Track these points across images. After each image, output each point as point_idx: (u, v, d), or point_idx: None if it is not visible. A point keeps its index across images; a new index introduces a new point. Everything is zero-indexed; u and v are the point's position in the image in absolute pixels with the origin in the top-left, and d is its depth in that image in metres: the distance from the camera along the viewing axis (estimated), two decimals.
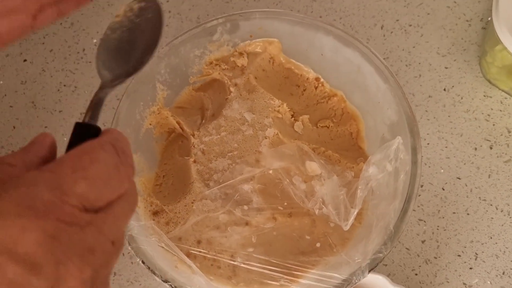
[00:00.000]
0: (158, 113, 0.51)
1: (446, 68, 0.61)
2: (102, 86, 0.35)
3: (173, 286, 0.41)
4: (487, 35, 0.59)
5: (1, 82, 0.63)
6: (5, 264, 0.22)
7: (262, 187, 0.47)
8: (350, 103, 0.54)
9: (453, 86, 0.60)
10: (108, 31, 0.40)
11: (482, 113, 0.59)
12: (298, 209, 0.46)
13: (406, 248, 0.55)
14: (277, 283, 0.43)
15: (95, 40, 0.64)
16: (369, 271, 0.41)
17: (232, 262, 0.44)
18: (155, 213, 0.47)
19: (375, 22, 0.63)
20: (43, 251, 0.23)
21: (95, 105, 0.32)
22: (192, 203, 0.47)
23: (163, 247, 0.43)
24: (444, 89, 0.60)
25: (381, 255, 0.42)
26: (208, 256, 0.45)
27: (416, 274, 0.54)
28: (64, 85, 0.63)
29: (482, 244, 0.55)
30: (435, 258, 0.54)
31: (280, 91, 0.53)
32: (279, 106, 0.51)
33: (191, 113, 0.54)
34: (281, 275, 0.43)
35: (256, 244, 0.45)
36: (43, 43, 0.65)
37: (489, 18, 0.62)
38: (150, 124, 0.52)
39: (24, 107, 0.62)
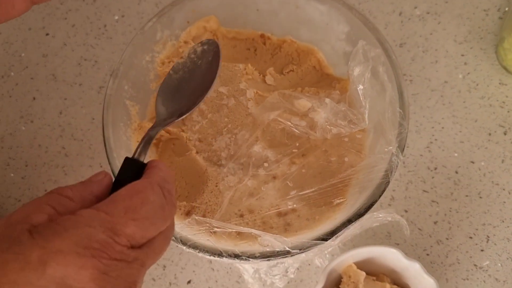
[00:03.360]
0: (140, 128, 0.51)
1: (462, 55, 0.62)
2: (155, 124, 0.39)
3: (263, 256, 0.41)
4: (504, 23, 0.60)
5: (23, 54, 0.64)
6: None
7: (269, 141, 0.48)
8: (300, 42, 0.55)
9: (468, 73, 0.61)
10: (171, 71, 0.44)
11: (497, 100, 0.60)
12: (309, 145, 0.48)
13: (419, 229, 0.55)
14: (333, 202, 0.45)
15: (116, 17, 0.66)
16: (402, 152, 0.44)
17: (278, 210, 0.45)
18: (188, 213, 0.47)
19: (394, 9, 0.64)
20: (96, 286, 0.26)
21: (145, 142, 0.36)
22: (216, 186, 0.47)
23: (215, 232, 0.43)
24: (460, 76, 0.61)
25: (403, 134, 0.44)
26: (257, 221, 0.45)
27: (427, 254, 0.54)
28: (85, 59, 0.64)
29: (494, 227, 0.55)
30: (447, 239, 0.55)
31: (236, 60, 0.55)
32: (245, 68, 0.52)
33: None
34: (332, 195, 0.45)
35: (295, 187, 0.46)
36: (65, 18, 0.66)
37: (506, 9, 0.63)
38: (138, 142, 0.50)
39: (45, 79, 0.63)
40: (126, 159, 0.34)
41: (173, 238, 0.41)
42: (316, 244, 0.41)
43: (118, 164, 0.45)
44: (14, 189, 0.59)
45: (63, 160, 0.60)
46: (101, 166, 0.59)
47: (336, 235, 0.41)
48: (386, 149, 0.44)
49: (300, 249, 0.41)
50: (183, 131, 0.50)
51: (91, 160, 0.59)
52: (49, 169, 0.59)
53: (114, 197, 0.29)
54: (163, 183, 0.31)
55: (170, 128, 0.51)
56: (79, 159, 0.60)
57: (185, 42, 0.53)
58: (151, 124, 0.51)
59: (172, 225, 0.33)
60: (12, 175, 0.59)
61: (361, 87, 0.45)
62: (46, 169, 0.59)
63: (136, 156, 0.34)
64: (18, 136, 0.61)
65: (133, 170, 0.33)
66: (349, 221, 0.42)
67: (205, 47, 0.44)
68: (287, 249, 0.41)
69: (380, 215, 0.43)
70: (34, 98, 0.62)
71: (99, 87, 0.62)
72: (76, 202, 0.30)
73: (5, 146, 0.60)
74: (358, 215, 0.42)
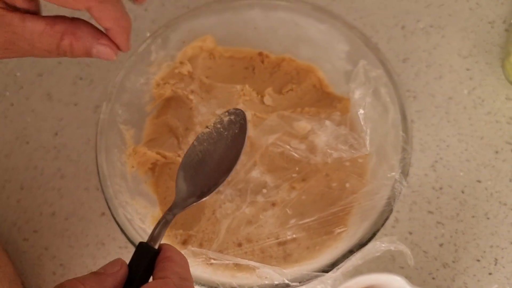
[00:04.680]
0: (135, 153, 0.50)
1: (467, 70, 0.60)
2: (173, 206, 0.37)
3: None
4: (510, 36, 0.58)
5: (18, 74, 0.63)
6: None
7: (268, 165, 0.47)
8: (300, 60, 0.54)
9: (474, 88, 0.59)
10: (195, 142, 0.41)
11: (504, 116, 0.58)
12: (310, 169, 0.47)
13: (424, 251, 0.53)
14: (334, 231, 0.44)
15: None
16: (405, 179, 0.43)
17: (278, 240, 0.44)
18: (184, 242, 0.46)
19: (396, 22, 0.62)
20: None
21: (161, 227, 0.35)
22: (213, 213, 0.46)
23: (212, 263, 0.42)
24: (465, 91, 0.59)
25: (407, 159, 0.43)
26: (256, 251, 0.44)
27: (433, 278, 0.53)
28: (80, 78, 0.63)
29: (502, 249, 0.53)
30: (453, 262, 0.53)
31: (233, 79, 0.53)
32: (242, 89, 0.51)
33: (164, 139, 0.52)
34: (333, 224, 0.44)
35: (294, 214, 0.45)
36: None
37: None
38: (133, 167, 0.50)
39: (40, 99, 0.62)
40: (140, 244, 0.33)
41: None
42: (316, 276, 0.40)
43: (111, 192, 0.44)
44: (10, 213, 0.58)
45: (59, 182, 0.58)
46: (97, 189, 0.58)
47: (337, 267, 0.40)
48: (388, 175, 0.42)
49: (299, 282, 0.40)
50: (179, 155, 0.49)
51: (88, 182, 0.58)
52: (45, 192, 0.58)
53: None
54: (181, 282, 0.30)
55: (166, 152, 0.49)
56: (75, 181, 0.58)
57: (181, 63, 0.51)
58: (146, 149, 0.49)
59: None
60: (7, 198, 0.58)
61: (361, 111, 0.43)
62: (42, 192, 0.58)
63: (151, 241, 0.34)
64: (13, 157, 0.60)
65: (146, 257, 0.32)
66: (350, 252, 0.40)
67: (232, 117, 0.41)
68: (286, 281, 0.40)
69: (383, 245, 0.41)
70: (29, 119, 0.61)
71: (95, 107, 0.61)
72: None
73: (0, 168, 0.59)
74: (360, 245, 0.40)
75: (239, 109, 0.42)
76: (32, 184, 0.59)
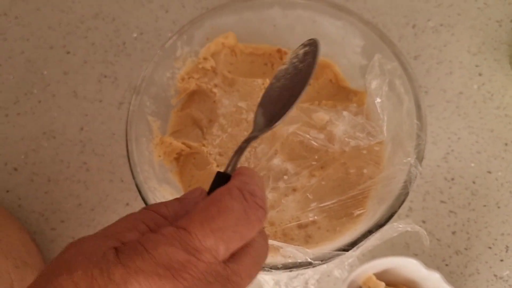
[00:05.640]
0: (161, 143, 0.52)
1: (476, 66, 0.62)
2: (250, 136, 0.36)
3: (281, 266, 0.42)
4: None
5: (45, 72, 0.66)
6: None
7: (288, 154, 0.49)
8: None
9: (483, 84, 0.61)
10: (273, 80, 0.41)
11: None
12: (328, 157, 0.49)
13: (437, 239, 0.55)
14: (353, 213, 0.45)
15: (134, 35, 0.67)
16: (420, 163, 0.44)
17: (300, 222, 0.45)
18: None
19: (407, 22, 0.65)
20: None
21: (237, 156, 0.34)
22: None
23: None
24: (475, 86, 0.61)
25: (421, 145, 0.44)
26: (278, 233, 0.46)
27: (446, 265, 0.54)
28: (105, 76, 0.65)
29: None
30: (466, 249, 0.55)
31: (254, 75, 0.55)
32: (263, 83, 0.53)
33: (189, 131, 0.54)
34: (352, 206, 0.45)
35: (315, 199, 0.47)
36: (85, 37, 0.68)
37: None
38: (159, 156, 0.52)
39: (66, 96, 0.65)
40: (218, 173, 0.32)
41: None
42: (337, 255, 0.42)
43: (141, 178, 0.46)
44: (37, 204, 0.60)
45: (84, 175, 0.61)
46: (122, 181, 0.60)
47: (357, 246, 0.42)
48: (404, 160, 0.44)
49: (321, 260, 0.42)
50: (203, 145, 0.51)
51: (112, 175, 0.61)
52: (71, 184, 0.61)
53: (192, 211, 0.28)
54: (243, 185, 0.29)
55: (191, 142, 0.52)
56: (100, 174, 0.61)
57: (204, 59, 0.54)
58: (172, 139, 0.52)
59: (262, 236, 0.30)
60: (35, 190, 0.61)
61: (378, 100, 0.46)
62: (68, 184, 0.61)
63: (228, 170, 0.33)
64: (41, 152, 0.62)
65: (223, 183, 0.30)
66: (369, 232, 0.42)
67: (307, 48, 0.40)
68: (309, 260, 0.41)
69: (400, 226, 0.43)
70: (56, 115, 0.64)
71: (118, 103, 0.64)
72: (170, 221, 0.29)
73: (28, 162, 0.62)
74: (379, 225, 0.42)
75: (312, 39, 0.40)
76: (59, 177, 0.61)
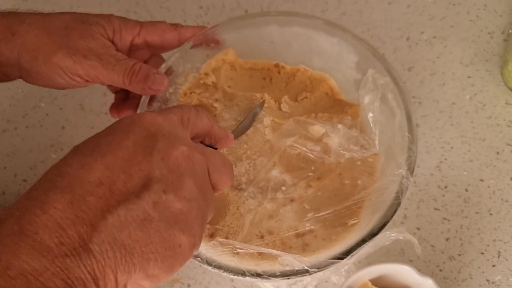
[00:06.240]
0: None
1: (469, 77, 0.65)
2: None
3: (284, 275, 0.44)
4: (509, 46, 0.62)
5: None
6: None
7: (286, 166, 0.51)
8: (313, 70, 0.58)
9: (475, 94, 0.64)
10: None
11: (504, 120, 0.62)
12: (324, 168, 0.51)
13: (431, 245, 0.57)
14: (348, 223, 0.48)
15: None
16: (411, 175, 0.46)
17: (296, 231, 0.48)
18: (212, 235, 0.50)
19: (401, 34, 0.67)
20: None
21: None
22: (238, 209, 0.50)
23: (238, 252, 0.45)
24: (467, 97, 0.63)
25: (412, 157, 0.47)
26: (277, 242, 0.48)
27: (440, 270, 0.57)
28: None
29: (505, 243, 0.57)
30: (459, 255, 0.57)
31: (253, 89, 0.58)
32: (262, 97, 0.55)
33: None
34: (347, 216, 0.48)
35: (311, 209, 0.49)
36: None
37: (510, 31, 0.66)
38: None
39: (73, 109, 0.67)
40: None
41: (199, 259, 0.44)
42: (333, 263, 0.44)
43: None
44: None
45: None
46: None
47: (351, 254, 0.44)
48: (396, 172, 0.46)
49: (318, 268, 0.44)
50: None
51: None
52: None
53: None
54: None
55: None
56: None
57: (206, 74, 0.56)
58: None
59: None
60: None
61: (371, 114, 0.48)
62: None
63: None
64: (49, 164, 0.65)
65: None
66: (363, 241, 0.44)
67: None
68: (306, 268, 0.44)
69: (393, 234, 0.45)
70: (63, 127, 0.66)
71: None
72: None
73: (37, 173, 0.64)
74: (372, 234, 0.44)
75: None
76: None
